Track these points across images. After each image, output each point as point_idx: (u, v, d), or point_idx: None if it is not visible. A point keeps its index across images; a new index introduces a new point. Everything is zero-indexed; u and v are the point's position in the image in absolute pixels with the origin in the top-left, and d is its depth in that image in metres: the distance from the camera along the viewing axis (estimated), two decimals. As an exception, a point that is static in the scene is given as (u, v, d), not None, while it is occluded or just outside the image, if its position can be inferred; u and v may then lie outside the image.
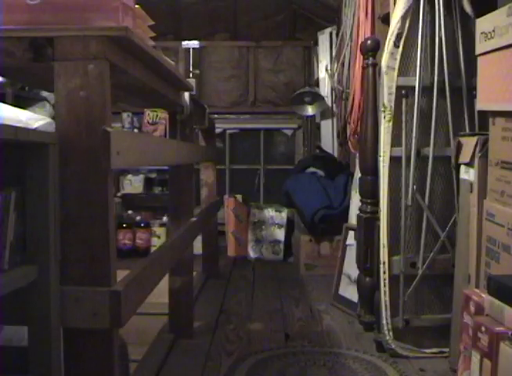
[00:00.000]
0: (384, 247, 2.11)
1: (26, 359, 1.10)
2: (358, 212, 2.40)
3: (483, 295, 1.43)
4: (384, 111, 2.10)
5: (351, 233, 2.86)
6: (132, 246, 4.03)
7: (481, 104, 1.81)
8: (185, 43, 4.85)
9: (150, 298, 1.48)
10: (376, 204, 2.20)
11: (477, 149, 1.82)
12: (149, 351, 2.16)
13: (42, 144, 1.07)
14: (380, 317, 2.12)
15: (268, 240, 4.22)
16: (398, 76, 2.09)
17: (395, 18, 2.09)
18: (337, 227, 3.21)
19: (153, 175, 4.73)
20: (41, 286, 1.08)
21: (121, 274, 1.27)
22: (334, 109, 3.94)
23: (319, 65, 4.29)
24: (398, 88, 2.09)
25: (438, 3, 2.09)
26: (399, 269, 2.11)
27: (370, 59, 2.29)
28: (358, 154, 2.68)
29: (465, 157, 1.91)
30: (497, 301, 1.33)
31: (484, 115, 1.86)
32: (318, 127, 4.40)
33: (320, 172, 3.79)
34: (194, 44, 4.86)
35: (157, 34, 1.67)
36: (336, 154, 4.03)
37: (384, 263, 2.11)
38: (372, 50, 2.29)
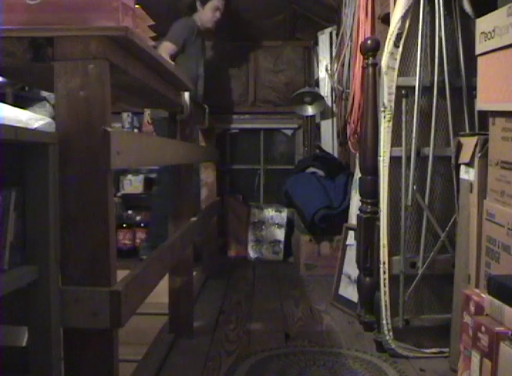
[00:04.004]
0: (384, 247, 2.11)
1: (26, 359, 1.10)
2: (358, 212, 2.40)
3: (483, 295, 1.43)
4: (384, 111, 2.10)
5: (351, 233, 2.86)
6: (132, 246, 4.03)
7: (481, 104, 1.81)
8: (185, 43, 4.84)
9: (150, 298, 1.48)
10: (376, 204, 2.20)
11: (477, 149, 1.82)
12: (149, 351, 2.16)
13: (42, 144, 1.07)
14: (380, 317, 2.11)
15: (268, 240, 4.22)
16: (398, 76, 2.09)
17: (395, 18, 2.09)
18: (337, 227, 3.21)
19: (153, 175, 4.73)
20: (41, 286, 1.08)
21: (121, 274, 1.27)
22: (334, 109, 3.94)
23: (319, 65, 4.29)
24: (398, 88, 2.09)
25: (438, 3, 2.09)
26: (399, 269, 2.11)
27: (370, 59, 2.29)
28: (358, 154, 2.68)
29: (465, 157, 1.91)
30: (497, 301, 1.33)
31: (485, 115, 1.86)
32: (318, 127, 4.39)
33: (320, 172, 3.78)
34: (194, 44, 4.84)
35: (157, 34, 1.67)
36: (336, 154, 4.02)
37: (384, 263, 2.11)
38: (372, 50, 2.29)
